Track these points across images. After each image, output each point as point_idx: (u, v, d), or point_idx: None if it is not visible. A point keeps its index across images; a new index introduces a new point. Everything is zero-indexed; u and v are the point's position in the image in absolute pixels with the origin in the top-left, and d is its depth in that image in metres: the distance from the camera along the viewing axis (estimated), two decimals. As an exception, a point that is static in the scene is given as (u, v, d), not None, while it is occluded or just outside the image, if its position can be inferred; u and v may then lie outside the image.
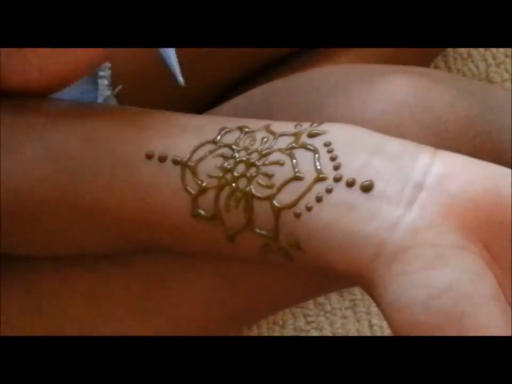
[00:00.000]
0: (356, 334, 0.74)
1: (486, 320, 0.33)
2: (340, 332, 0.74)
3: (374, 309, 0.74)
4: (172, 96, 0.61)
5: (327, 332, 0.74)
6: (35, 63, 0.41)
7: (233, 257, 0.40)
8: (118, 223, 0.41)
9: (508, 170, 0.36)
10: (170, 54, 0.46)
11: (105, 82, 0.61)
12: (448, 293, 0.33)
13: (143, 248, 0.43)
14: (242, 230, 0.38)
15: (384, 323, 0.74)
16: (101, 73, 0.61)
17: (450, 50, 0.82)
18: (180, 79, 0.47)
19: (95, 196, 0.41)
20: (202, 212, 0.39)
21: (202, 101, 0.65)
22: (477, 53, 0.82)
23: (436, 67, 0.81)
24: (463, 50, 0.82)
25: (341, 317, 0.75)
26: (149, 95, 0.59)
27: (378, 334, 0.74)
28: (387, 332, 0.74)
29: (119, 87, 0.61)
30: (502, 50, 0.82)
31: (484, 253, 0.35)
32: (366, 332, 0.74)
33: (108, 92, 0.61)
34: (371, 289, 0.36)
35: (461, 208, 0.34)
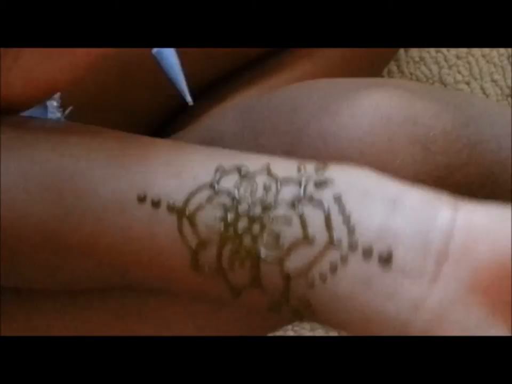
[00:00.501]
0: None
1: None
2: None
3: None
4: (128, 115, 0.59)
5: (321, 332, 0.73)
6: (19, 72, 0.39)
7: (237, 308, 0.39)
8: (107, 265, 0.39)
9: None
10: (178, 73, 0.45)
11: (55, 104, 0.60)
12: None
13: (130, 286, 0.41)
14: (248, 287, 0.36)
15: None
16: (50, 95, 0.59)
17: (402, 54, 0.82)
18: (188, 98, 0.45)
19: (83, 236, 0.38)
20: (204, 268, 0.37)
21: (161, 115, 0.63)
22: (429, 55, 0.81)
23: (389, 71, 0.81)
24: (415, 53, 0.82)
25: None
26: (102, 115, 0.57)
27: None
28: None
29: (69, 108, 0.59)
30: (453, 52, 0.82)
31: (507, 317, 0.33)
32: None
33: (58, 114, 0.59)
34: None
35: (487, 281, 0.33)
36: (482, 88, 0.81)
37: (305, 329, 0.74)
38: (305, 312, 0.36)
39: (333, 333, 0.74)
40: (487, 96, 0.80)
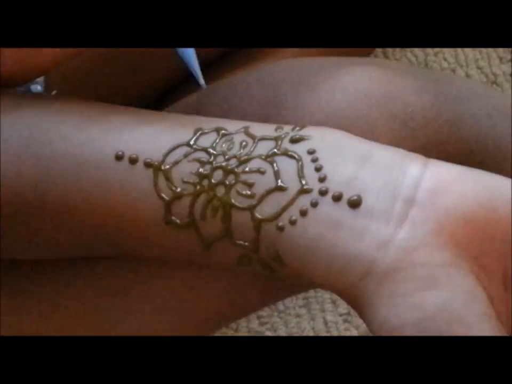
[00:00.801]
0: (311, 333, 0.73)
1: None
2: (295, 331, 0.73)
3: (328, 306, 0.74)
4: (112, 96, 0.59)
5: (282, 332, 0.73)
6: (8, 51, 0.39)
7: (207, 266, 0.39)
8: (85, 224, 0.39)
9: (500, 179, 0.34)
10: (191, 56, 0.45)
11: (38, 87, 0.59)
12: (440, 314, 0.32)
13: (113, 255, 0.41)
14: (219, 239, 0.37)
15: (340, 319, 0.73)
16: (34, 79, 0.59)
17: (388, 40, 0.82)
18: (201, 81, 0.45)
19: (61, 194, 0.38)
20: (175, 219, 0.37)
21: (147, 97, 0.63)
22: (415, 42, 0.82)
23: (375, 57, 0.81)
24: (400, 40, 0.82)
25: (295, 316, 0.74)
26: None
27: (334, 331, 0.73)
28: (342, 328, 0.73)
29: (54, 92, 0.59)
30: (439, 39, 0.82)
31: (474, 268, 0.34)
32: (321, 330, 0.73)
33: (42, 98, 0.59)
34: (359, 308, 0.34)
35: (452, 224, 0.33)
36: (468, 75, 0.81)
37: (267, 330, 0.74)
38: (274, 264, 0.36)
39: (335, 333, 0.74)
40: (473, 83, 0.80)
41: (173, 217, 0.37)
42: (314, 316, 0.73)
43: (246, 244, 0.36)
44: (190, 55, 0.45)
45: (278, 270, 0.36)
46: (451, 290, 0.33)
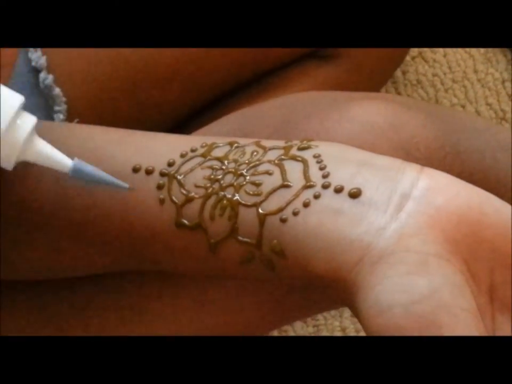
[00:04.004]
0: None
1: (463, 331, 0.33)
2: (305, 358, 0.74)
3: (338, 333, 0.75)
4: (135, 126, 0.61)
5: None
6: None
7: (213, 271, 0.40)
8: (103, 237, 0.41)
9: (489, 193, 0.36)
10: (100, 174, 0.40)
11: (61, 116, 0.61)
12: (429, 299, 0.33)
13: (127, 270, 0.43)
14: (225, 239, 0.38)
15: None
16: (57, 108, 0.61)
17: (400, 76, 0.84)
18: (124, 184, 0.40)
19: (78, 210, 0.41)
20: (185, 222, 0.39)
21: (163, 129, 0.65)
22: (426, 79, 0.84)
23: (387, 93, 0.83)
24: (412, 76, 0.84)
25: (305, 343, 0.75)
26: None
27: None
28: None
29: (76, 121, 0.61)
30: (449, 76, 0.84)
31: (463, 268, 0.35)
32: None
33: (64, 127, 0.61)
34: (351, 294, 0.36)
35: (445, 220, 0.35)
36: (477, 111, 0.83)
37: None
38: (275, 258, 0.37)
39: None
40: (482, 119, 0.82)
41: (184, 220, 0.39)
42: (324, 344, 0.74)
43: (250, 240, 0.38)
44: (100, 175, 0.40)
45: (278, 267, 0.37)
46: (441, 279, 0.34)
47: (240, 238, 0.38)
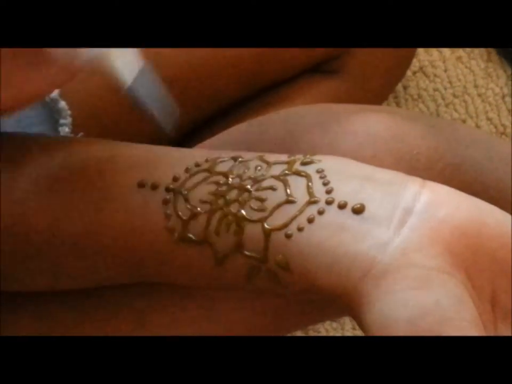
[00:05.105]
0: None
1: None
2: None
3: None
4: (138, 139, 0.62)
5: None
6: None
7: (219, 284, 0.41)
8: (107, 252, 0.41)
9: (490, 205, 0.37)
10: (150, 94, 0.43)
11: (66, 129, 0.61)
12: (432, 314, 0.34)
13: (132, 282, 0.43)
14: (231, 253, 0.39)
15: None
16: (62, 121, 0.61)
17: (401, 91, 0.85)
18: (168, 128, 0.44)
19: (83, 226, 0.41)
20: (191, 236, 0.39)
21: (168, 141, 0.66)
22: (427, 93, 0.85)
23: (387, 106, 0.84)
24: (413, 91, 0.85)
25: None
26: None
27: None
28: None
29: (80, 134, 0.61)
30: (450, 90, 0.85)
31: (465, 281, 0.36)
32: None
33: (69, 140, 0.61)
34: (356, 308, 0.36)
35: (447, 234, 0.36)
36: (477, 126, 0.84)
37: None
38: (281, 272, 0.38)
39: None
40: (483, 134, 0.83)
41: (189, 234, 0.39)
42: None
43: (255, 254, 0.38)
44: (156, 100, 0.43)
45: (284, 280, 0.38)
46: (443, 293, 0.35)
47: (246, 252, 0.38)
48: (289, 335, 0.75)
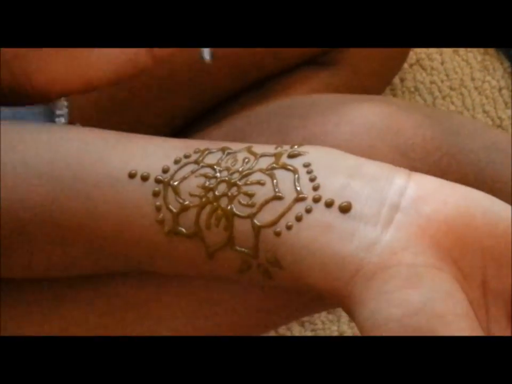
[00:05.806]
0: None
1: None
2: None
3: (335, 338, 0.75)
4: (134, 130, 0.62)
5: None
6: (63, 63, 0.42)
7: (212, 276, 0.41)
8: (97, 241, 0.41)
9: (478, 192, 0.37)
10: None
11: (63, 121, 0.61)
12: (423, 311, 0.34)
13: (124, 271, 0.44)
14: (222, 247, 0.39)
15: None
16: (58, 112, 0.61)
17: (398, 84, 0.85)
18: (206, 55, 0.45)
19: (73, 214, 0.41)
20: (182, 230, 0.40)
21: (163, 133, 0.66)
22: (424, 86, 0.85)
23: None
24: (410, 83, 0.85)
25: (303, 347, 0.75)
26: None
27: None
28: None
29: (76, 124, 0.61)
30: (447, 83, 0.85)
31: (455, 272, 0.36)
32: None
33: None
34: (348, 307, 0.37)
35: (434, 229, 0.36)
36: (474, 119, 0.84)
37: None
38: (272, 269, 0.38)
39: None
40: (480, 127, 0.83)
41: (180, 228, 0.40)
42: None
43: (246, 250, 0.38)
44: None
45: (275, 276, 0.38)
46: (432, 289, 0.35)
47: (237, 247, 0.39)
48: (288, 335, 0.75)
